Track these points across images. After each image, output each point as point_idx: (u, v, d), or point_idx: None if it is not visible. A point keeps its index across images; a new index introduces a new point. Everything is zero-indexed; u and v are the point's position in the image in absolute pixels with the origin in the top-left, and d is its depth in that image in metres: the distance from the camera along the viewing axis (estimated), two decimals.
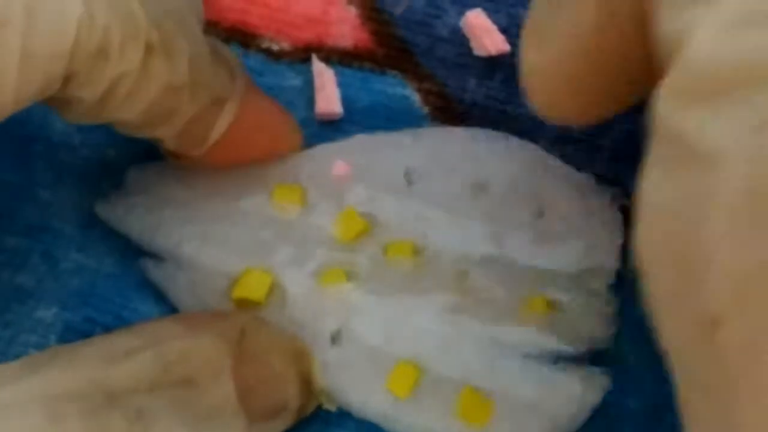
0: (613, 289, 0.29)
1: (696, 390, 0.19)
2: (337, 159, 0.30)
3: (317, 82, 0.32)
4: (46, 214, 0.31)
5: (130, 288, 0.30)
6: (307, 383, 0.28)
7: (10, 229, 0.31)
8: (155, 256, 0.30)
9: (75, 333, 0.29)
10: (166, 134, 0.28)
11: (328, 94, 0.32)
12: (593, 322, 0.28)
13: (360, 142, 0.31)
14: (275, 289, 0.29)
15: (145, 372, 0.25)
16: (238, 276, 0.29)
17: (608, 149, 0.31)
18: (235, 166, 0.30)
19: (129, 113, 0.26)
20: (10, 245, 0.31)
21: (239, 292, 0.29)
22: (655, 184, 0.20)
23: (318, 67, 0.32)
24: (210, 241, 0.29)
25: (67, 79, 0.25)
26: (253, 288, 0.29)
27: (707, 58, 0.19)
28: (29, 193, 0.31)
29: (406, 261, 0.29)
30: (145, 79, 0.26)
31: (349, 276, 0.29)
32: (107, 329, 0.29)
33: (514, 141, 0.30)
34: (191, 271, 0.29)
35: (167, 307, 0.30)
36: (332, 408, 0.28)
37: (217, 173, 0.30)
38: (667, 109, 0.19)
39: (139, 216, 0.30)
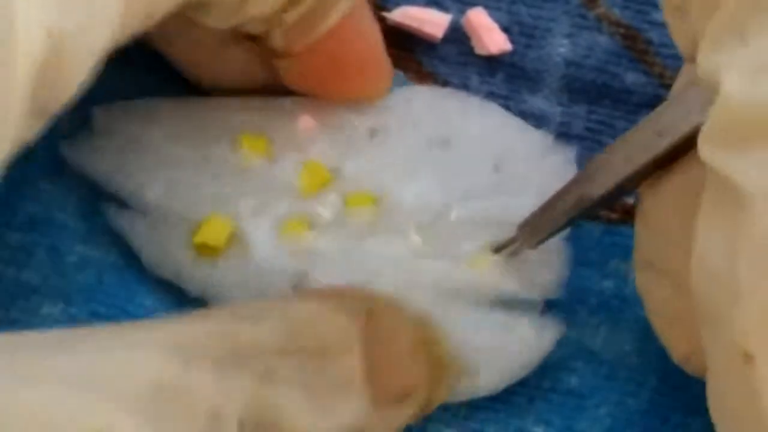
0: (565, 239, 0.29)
1: (728, 419, 0.20)
2: (303, 113, 0.30)
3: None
4: (48, 206, 0.31)
5: (135, 281, 0.30)
6: (437, 372, 0.27)
7: (12, 223, 0.31)
8: (120, 202, 0.30)
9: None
10: (293, 17, 0.27)
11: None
12: (545, 270, 0.29)
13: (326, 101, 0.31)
14: (237, 238, 0.29)
15: (274, 334, 0.24)
16: (198, 222, 0.29)
17: None
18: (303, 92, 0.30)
19: (266, 4, 0.26)
20: (14, 241, 0.30)
21: (199, 238, 0.29)
22: (704, 223, 0.20)
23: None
24: (173, 186, 0.29)
25: None
26: (213, 234, 0.29)
27: (737, 104, 0.19)
28: (30, 186, 0.31)
29: (366, 211, 0.29)
30: None
31: (311, 225, 0.29)
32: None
33: (476, 100, 0.31)
34: (152, 216, 0.30)
35: (174, 300, 0.30)
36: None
37: (183, 115, 0.30)
38: (705, 152, 0.20)
39: (104, 158, 0.30)
